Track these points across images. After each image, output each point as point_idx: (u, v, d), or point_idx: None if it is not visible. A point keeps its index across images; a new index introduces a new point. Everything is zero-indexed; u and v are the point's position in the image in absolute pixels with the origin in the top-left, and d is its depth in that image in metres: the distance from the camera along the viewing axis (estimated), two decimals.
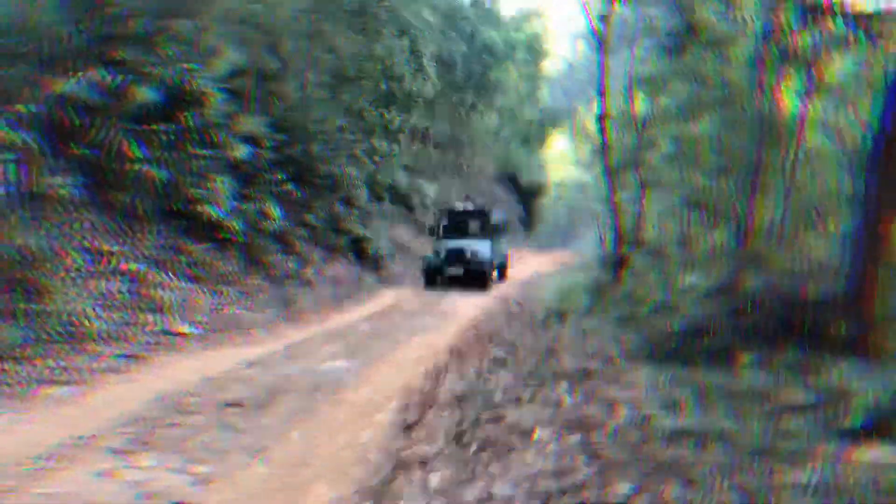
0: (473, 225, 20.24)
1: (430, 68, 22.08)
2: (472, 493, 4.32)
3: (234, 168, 15.39)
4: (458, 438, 5.32)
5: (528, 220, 39.46)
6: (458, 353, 9.04)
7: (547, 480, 4.37)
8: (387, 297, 16.39)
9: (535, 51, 31.37)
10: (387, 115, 19.94)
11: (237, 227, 14.43)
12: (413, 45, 21.07)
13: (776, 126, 11.74)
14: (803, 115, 11.74)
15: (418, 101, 21.04)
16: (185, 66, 12.36)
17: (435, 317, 13.31)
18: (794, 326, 7.06)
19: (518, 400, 6.26)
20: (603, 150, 14.46)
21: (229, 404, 6.29)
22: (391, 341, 10.46)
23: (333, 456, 5.15)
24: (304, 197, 18.22)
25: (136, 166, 11.09)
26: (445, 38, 27.21)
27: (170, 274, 12.06)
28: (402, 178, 24.02)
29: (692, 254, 12.27)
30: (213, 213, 12.92)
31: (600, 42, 13.69)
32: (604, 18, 13.47)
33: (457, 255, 18.46)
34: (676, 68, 12.22)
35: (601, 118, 14.24)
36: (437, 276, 18.69)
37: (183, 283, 12.19)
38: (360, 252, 20.02)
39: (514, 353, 8.71)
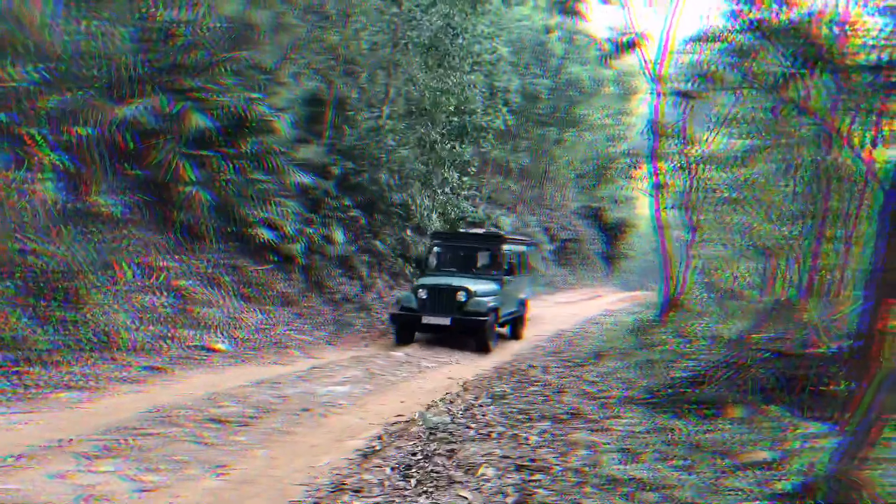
0: (479, 256, 14.96)
1: (503, 103, 22.30)
2: None
3: (301, 193, 16.03)
4: (405, 469, 5.42)
5: (612, 257, 38.93)
6: (466, 386, 9.10)
7: None
8: None
9: (624, 86, 31.16)
10: (458, 148, 20.23)
11: (298, 250, 14.97)
12: (487, 80, 21.38)
13: (842, 176, 11.35)
14: (868, 165, 11.30)
15: (489, 135, 21.22)
16: (247, 94, 13.01)
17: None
18: (795, 381, 6.82)
19: (487, 436, 6.30)
20: (654, 190, 14.30)
21: (212, 419, 6.59)
22: (417, 370, 10.61)
23: (283, 476, 5.34)
24: (371, 224, 18.71)
25: (189, 188, 11.71)
26: (529, 73, 27.41)
27: (220, 292, 12.63)
28: (476, 209, 24.23)
29: (740, 301, 11.92)
30: (266, 235, 13.44)
31: (654, 81, 13.61)
32: (657, 61, 13.37)
33: (442, 297, 12.97)
34: (731, 112, 11.98)
35: (652, 158, 14.10)
36: (411, 327, 13.22)
37: (232, 302, 12.71)
38: None
39: (522, 390, 8.71)
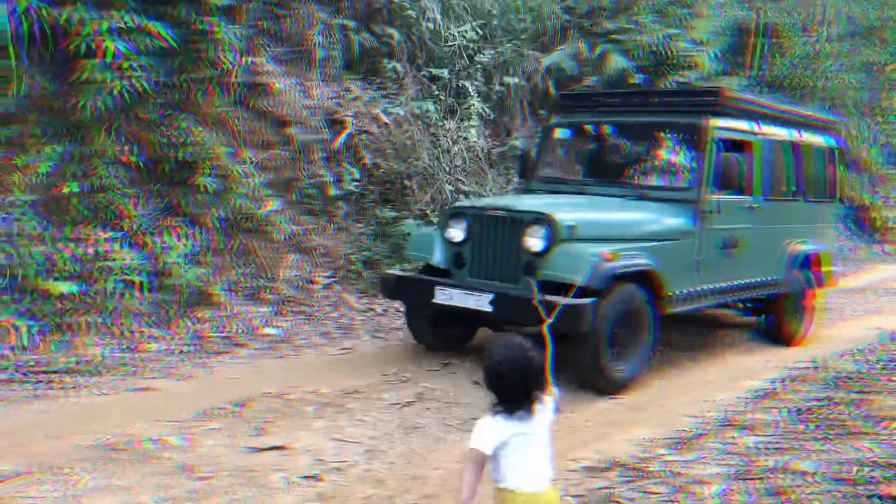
0: (658, 148, 7.14)
1: None
2: (772, 461, 4.36)
3: None
4: (801, 413, 5.24)
5: None
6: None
7: (856, 466, 4.19)
8: (877, 272, 14.84)
9: None
10: None
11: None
12: None
13: None
14: None
15: None
16: (667, 31, 12.92)
17: None
18: None
19: None
20: None
21: None
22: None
23: (673, 408, 5.53)
24: None
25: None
26: None
27: None
28: None
29: None
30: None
31: None
32: None
33: (491, 239, 5.77)
34: None
35: None
36: (419, 309, 6.21)
37: None
38: (863, 221, 18.30)
39: None
